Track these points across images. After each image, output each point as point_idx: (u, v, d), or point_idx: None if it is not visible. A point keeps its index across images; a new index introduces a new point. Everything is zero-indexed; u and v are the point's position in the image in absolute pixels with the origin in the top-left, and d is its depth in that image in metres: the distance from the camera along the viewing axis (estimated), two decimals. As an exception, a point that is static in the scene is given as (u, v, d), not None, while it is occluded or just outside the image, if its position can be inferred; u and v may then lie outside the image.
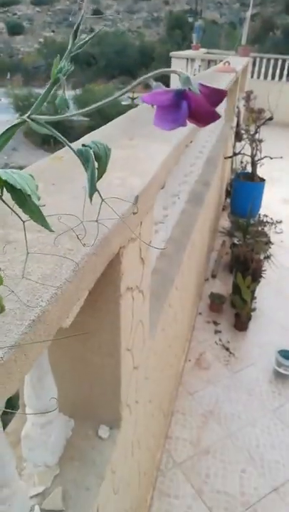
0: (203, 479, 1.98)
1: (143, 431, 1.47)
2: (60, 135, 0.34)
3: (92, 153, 0.33)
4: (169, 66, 8.91)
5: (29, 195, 0.33)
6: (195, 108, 0.29)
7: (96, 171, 0.34)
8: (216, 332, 2.89)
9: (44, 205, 0.34)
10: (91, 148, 0.33)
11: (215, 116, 0.30)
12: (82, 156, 0.33)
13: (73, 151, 0.33)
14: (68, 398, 1.08)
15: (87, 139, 1.27)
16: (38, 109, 0.33)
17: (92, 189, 0.34)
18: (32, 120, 0.33)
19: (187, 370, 2.58)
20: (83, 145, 0.34)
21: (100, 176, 0.34)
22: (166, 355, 1.79)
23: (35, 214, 0.34)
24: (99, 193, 0.35)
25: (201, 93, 0.30)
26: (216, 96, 0.30)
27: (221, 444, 2.16)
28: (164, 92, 0.30)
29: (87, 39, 0.33)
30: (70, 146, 0.33)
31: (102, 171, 0.34)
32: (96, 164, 0.34)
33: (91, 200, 0.35)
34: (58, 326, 0.60)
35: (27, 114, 0.33)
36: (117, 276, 0.86)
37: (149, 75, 0.31)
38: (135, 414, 1.27)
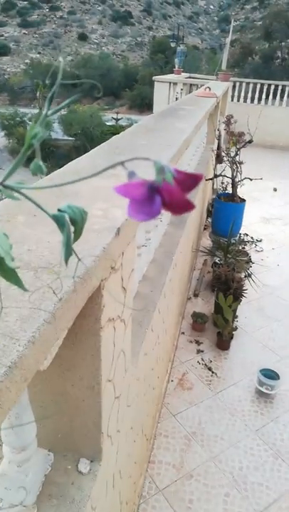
0: (187, 504, 1.95)
1: (125, 459, 1.44)
2: (36, 202, 0.33)
3: (68, 218, 0.33)
4: (152, 89, 9.16)
5: (2, 258, 0.32)
6: (169, 200, 0.29)
7: (72, 234, 0.34)
8: (199, 351, 2.89)
9: (18, 267, 0.34)
10: (66, 213, 0.33)
11: (188, 207, 0.30)
12: (58, 221, 0.33)
13: (49, 215, 0.33)
14: (48, 431, 1.05)
15: (72, 165, 1.27)
16: (11, 174, 0.33)
17: (68, 253, 0.34)
18: (5, 187, 0.32)
19: (170, 391, 2.56)
20: (59, 210, 0.34)
21: (75, 240, 0.34)
22: (149, 378, 1.78)
23: (8, 274, 0.33)
24: (76, 254, 0.35)
25: (175, 179, 0.29)
26: (191, 181, 0.30)
27: (205, 467, 2.14)
28: (138, 186, 0.30)
29: (58, 108, 0.33)
30: (45, 212, 0.33)
31: (77, 235, 0.34)
32: (72, 228, 0.34)
33: (66, 264, 0.34)
34: (35, 370, 0.59)
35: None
36: (98, 309, 0.85)
37: (126, 160, 0.31)
38: (116, 443, 1.24)
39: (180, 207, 0.30)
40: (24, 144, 0.34)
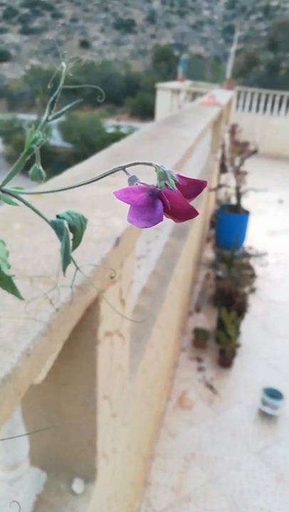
0: (185, 530, 1.87)
1: (121, 480, 1.38)
2: (34, 208, 0.31)
3: (67, 225, 0.32)
4: (155, 96, 9.17)
5: None
6: (171, 206, 0.28)
7: (71, 241, 0.32)
8: (200, 369, 2.82)
9: (14, 275, 0.32)
10: (65, 219, 0.32)
11: (191, 214, 0.28)
12: (56, 228, 0.31)
13: (47, 221, 0.31)
14: (41, 449, 1.01)
15: (70, 172, 1.26)
16: (10, 179, 0.31)
17: (66, 262, 0.32)
18: (3, 192, 0.30)
19: (169, 410, 2.49)
20: (58, 216, 0.32)
21: (74, 247, 0.33)
22: (147, 396, 1.73)
23: (5, 282, 0.31)
24: (74, 262, 0.33)
25: (178, 185, 0.28)
26: (195, 187, 0.29)
27: (204, 489, 2.06)
28: (138, 190, 0.28)
29: (59, 112, 0.32)
30: (44, 218, 0.31)
31: (76, 242, 0.33)
32: (71, 235, 0.32)
33: (64, 272, 0.32)
34: (29, 383, 0.56)
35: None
36: (95, 321, 0.82)
37: (127, 165, 0.30)
38: (112, 463, 1.19)
39: (183, 214, 0.28)
40: (23, 149, 0.32)
